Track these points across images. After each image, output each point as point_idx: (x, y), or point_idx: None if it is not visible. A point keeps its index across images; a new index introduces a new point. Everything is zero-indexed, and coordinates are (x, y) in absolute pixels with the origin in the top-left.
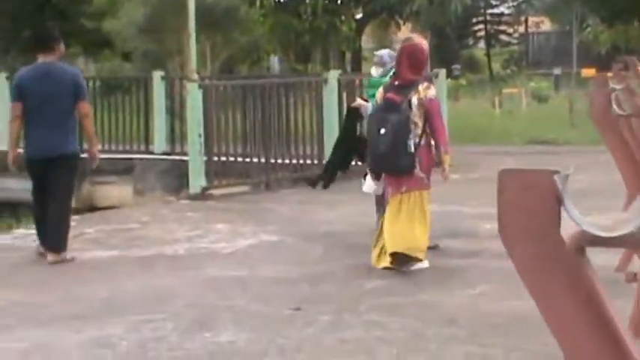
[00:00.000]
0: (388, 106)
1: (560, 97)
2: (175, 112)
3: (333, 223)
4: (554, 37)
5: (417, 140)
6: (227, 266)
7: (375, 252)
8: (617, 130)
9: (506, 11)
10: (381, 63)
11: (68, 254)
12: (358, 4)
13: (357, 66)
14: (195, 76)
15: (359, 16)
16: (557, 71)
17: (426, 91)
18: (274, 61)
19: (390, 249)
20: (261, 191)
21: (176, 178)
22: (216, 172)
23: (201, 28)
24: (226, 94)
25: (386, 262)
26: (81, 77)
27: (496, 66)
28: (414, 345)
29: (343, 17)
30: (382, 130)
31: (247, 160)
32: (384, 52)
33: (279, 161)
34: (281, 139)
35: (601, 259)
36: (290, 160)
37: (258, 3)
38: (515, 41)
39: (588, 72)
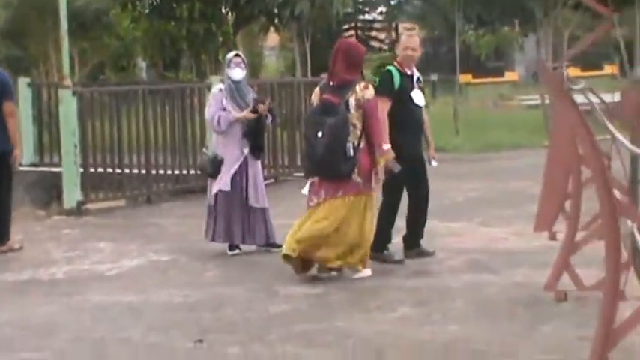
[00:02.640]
0: (325, 108)
1: (440, 104)
2: (44, 120)
3: None
4: (426, 43)
5: (356, 143)
6: (114, 291)
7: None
8: None
9: (378, 17)
10: (245, 63)
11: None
12: (235, 8)
13: None
14: (69, 82)
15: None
16: (434, 77)
17: (364, 91)
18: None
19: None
20: (142, 205)
21: (46, 191)
22: (92, 185)
23: (69, 32)
24: (102, 101)
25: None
26: (7, 77)
27: (368, 73)
28: None
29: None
30: (319, 134)
31: (126, 171)
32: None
33: (161, 172)
34: (162, 149)
35: (527, 278)
36: (172, 170)
37: (130, 7)
38: (386, 47)
39: (465, 78)
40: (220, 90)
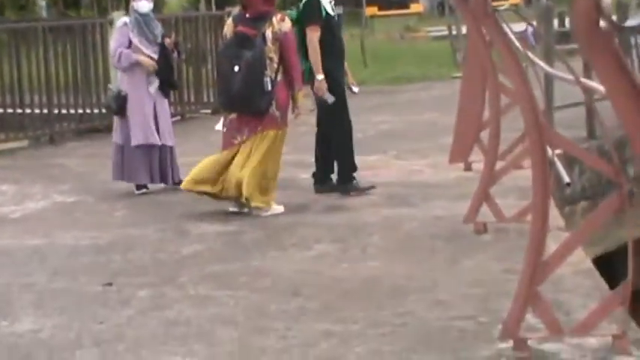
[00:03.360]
0: (241, 41)
1: (346, 37)
2: None
3: None
4: None
5: (273, 77)
6: (18, 234)
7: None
8: None
9: None
10: None
11: None
12: None
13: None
14: None
15: None
16: (339, 10)
17: (281, 23)
18: (42, 7)
19: (239, 193)
20: (45, 145)
21: None
22: None
23: None
24: (1, 39)
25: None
26: None
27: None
28: (257, 324)
29: None
30: (236, 68)
31: (27, 111)
32: None
33: (64, 111)
34: (64, 88)
35: (446, 210)
36: (75, 109)
37: None
38: None
39: (370, 10)
40: (125, 24)
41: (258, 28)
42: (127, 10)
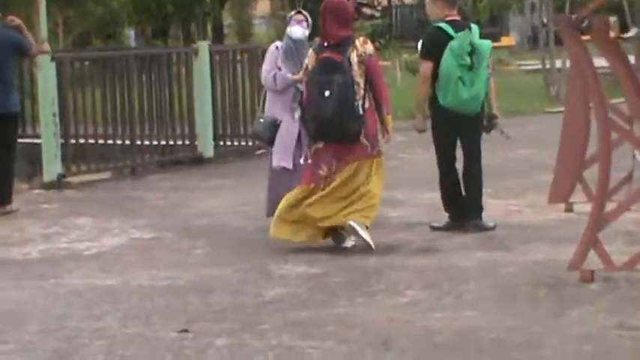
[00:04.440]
0: (329, 66)
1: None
2: (25, 89)
3: (216, 214)
4: (417, 9)
5: (362, 102)
6: (93, 273)
7: (286, 227)
8: None
9: None
10: (308, 22)
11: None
12: None
13: (219, 41)
14: (47, 47)
15: None
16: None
17: (364, 46)
18: (131, 36)
19: (337, 222)
20: (126, 177)
21: (28, 163)
22: (74, 156)
23: (51, 0)
24: (83, 68)
25: (302, 236)
26: (16, 37)
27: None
28: None
29: None
30: (326, 93)
31: (109, 142)
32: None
33: (146, 143)
34: (147, 119)
35: (547, 255)
36: (158, 141)
37: None
38: (378, 14)
39: None
40: (277, 48)
41: (343, 52)
42: (213, 40)
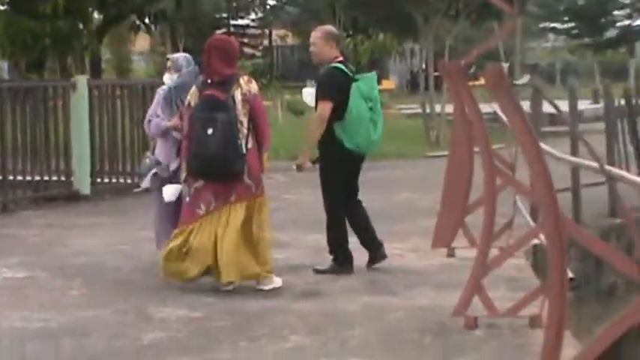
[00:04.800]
0: (212, 104)
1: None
2: None
3: (93, 253)
4: (298, 50)
5: (245, 141)
6: None
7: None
8: None
9: (252, 23)
10: (177, 67)
11: None
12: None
13: (97, 76)
14: None
15: (98, 19)
16: (310, 84)
17: (249, 85)
18: (4, 68)
19: (226, 278)
20: None
21: None
22: None
23: None
24: None
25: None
26: None
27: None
28: None
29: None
30: (209, 131)
31: None
32: (179, 56)
33: (19, 178)
34: (21, 153)
35: (432, 300)
36: (32, 176)
37: None
38: (259, 54)
39: None
40: (160, 93)
41: (227, 90)
42: (90, 74)
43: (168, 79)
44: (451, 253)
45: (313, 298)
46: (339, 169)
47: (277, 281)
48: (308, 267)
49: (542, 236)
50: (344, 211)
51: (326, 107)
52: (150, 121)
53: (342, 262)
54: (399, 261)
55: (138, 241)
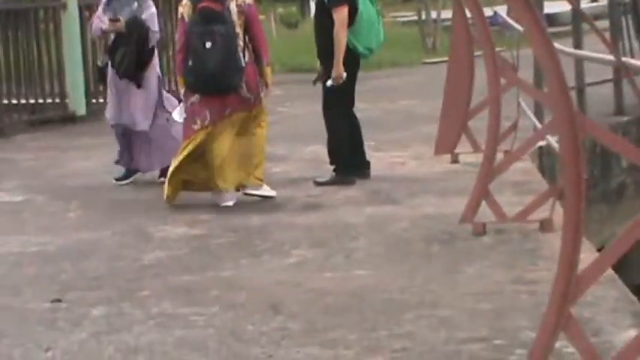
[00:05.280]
0: (208, 17)
1: (309, 22)
2: None
3: (91, 174)
4: None
5: (242, 54)
6: None
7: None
8: None
9: None
10: None
11: None
12: None
13: None
14: None
15: None
16: None
17: None
18: None
19: (221, 185)
20: None
21: None
22: None
23: None
24: None
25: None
26: None
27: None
28: (233, 349)
29: None
30: (207, 44)
31: None
32: None
33: (14, 102)
34: (14, 77)
35: (436, 208)
36: (27, 99)
37: None
38: None
39: None
40: None
41: (222, 2)
42: None
43: None
44: (455, 159)
45: (315, 210)
46: (349, 76)
47: (269, 190)
48: (308, 179)
49: (549, 137)
50: (347, 121)
51: (343, 12)
52: (91, 23)
53: (343, 173)
54: (401, 169)
55: None
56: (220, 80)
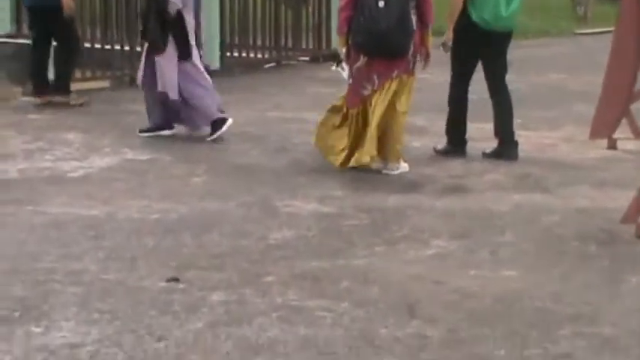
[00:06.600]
0: None
1: None
2: None
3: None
4: None
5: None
6: (76, 200)
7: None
8: None
9: None
10: None
11: None
12: None
13: None
14: None
15: None
16: None
17: None
18: None
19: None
20: (126, 87)
21: (25, 65)
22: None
23: None
24: None
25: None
26: None
27: None
28: (363, 358)
29: None
30: (380, 3)
31: (108, 47)
32: None
33: None
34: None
35: (592, 202)
36: None
37: None
38: None
39: None
40: None
41: None
42: None
43: None
44: (612, 145)
45: (457, 194)
46: (461, 41)
47: (404, 166)
48: (450, 158)
49: None
50: (464, 89)
51: None
52: None
53: (455, 143)
54: (552, 152)
55: (266, 122)
56: (392, 42)
